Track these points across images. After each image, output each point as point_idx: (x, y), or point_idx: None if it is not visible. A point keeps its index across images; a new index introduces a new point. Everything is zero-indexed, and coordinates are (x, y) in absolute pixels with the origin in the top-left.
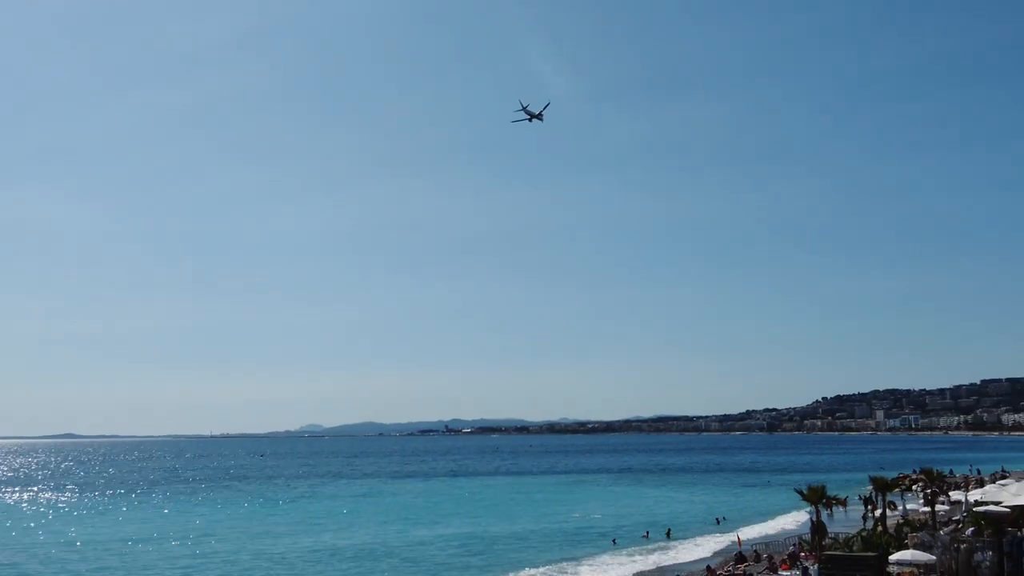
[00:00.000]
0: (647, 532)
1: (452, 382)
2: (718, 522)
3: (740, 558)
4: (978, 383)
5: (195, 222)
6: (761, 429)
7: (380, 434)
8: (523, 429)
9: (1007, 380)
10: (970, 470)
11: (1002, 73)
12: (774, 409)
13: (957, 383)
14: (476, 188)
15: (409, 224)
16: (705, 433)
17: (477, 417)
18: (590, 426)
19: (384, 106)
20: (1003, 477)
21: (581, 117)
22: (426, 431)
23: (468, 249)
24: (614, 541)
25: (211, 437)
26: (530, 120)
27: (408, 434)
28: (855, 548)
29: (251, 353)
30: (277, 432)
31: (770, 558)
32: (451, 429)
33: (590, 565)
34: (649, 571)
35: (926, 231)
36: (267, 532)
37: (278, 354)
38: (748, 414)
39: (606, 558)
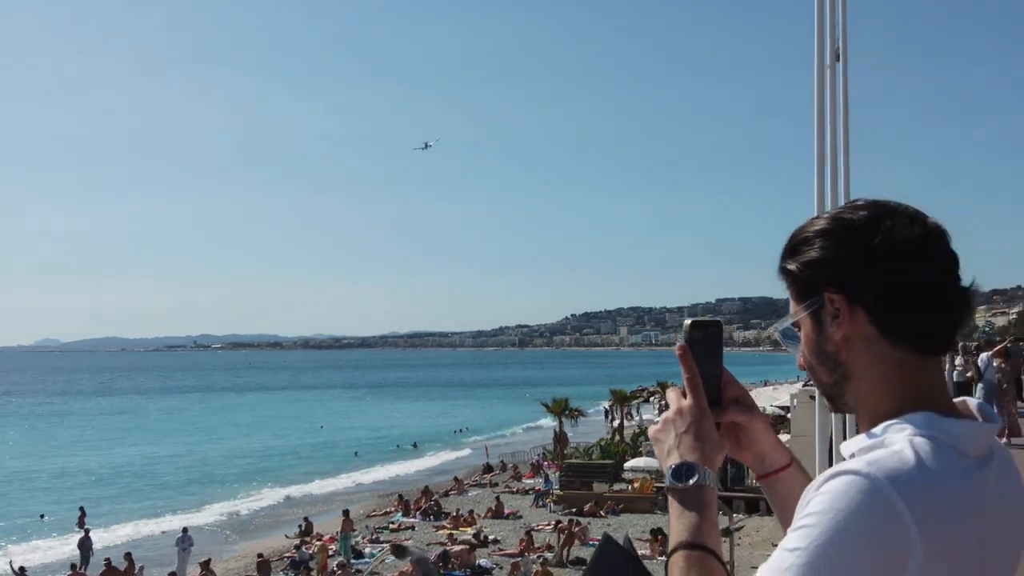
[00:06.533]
0: (397, 445)
1: (200, 295)
2: (460, 432)
3: (487, 468)
4: (713, 302)
5: None
6: (513, 345)
7: (123, 349)
8: (276, 345)
9: (739, 299)
10: None
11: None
12: (526, 325)
13: (695, 301)
14: (239, 95)
15: (151, 133)
16: (459, 349)
17: (228, 333)
18: (345, 342)
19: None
20: None
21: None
22: (173, 347)
23: (220, 160)
24: (356, 453)
25: None
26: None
27: (154, 349)
28: (594, 456)
29: None
30: (8, 347)
31: (515, 467)
32: (200, 345)
33: (334, 478)
34: (392, 480)
35: (670, 162)
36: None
37: (5, 261)
38: (501, 330)
39: (350, 471)
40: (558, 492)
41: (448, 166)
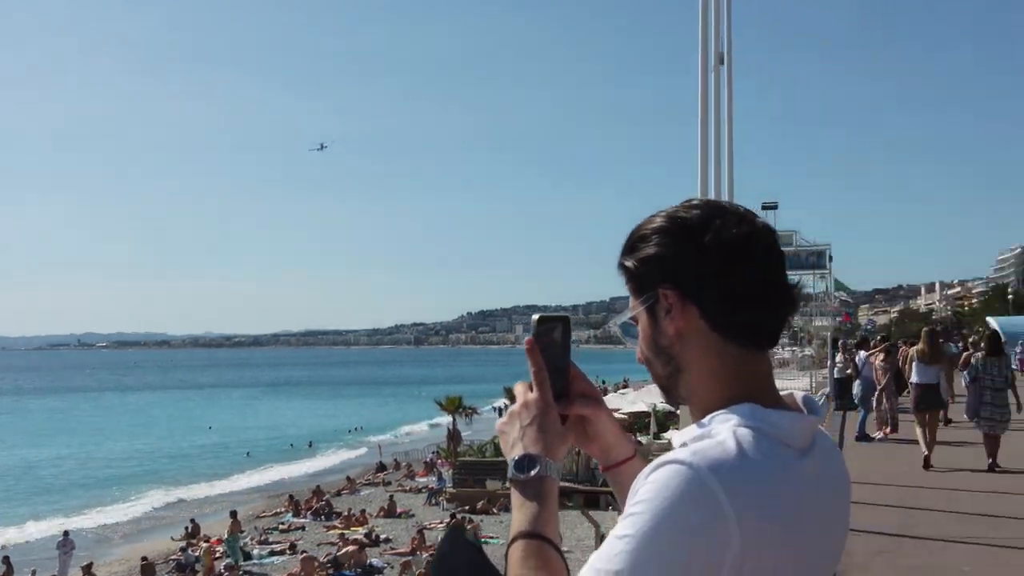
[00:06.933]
0: (291, 444)
1: (84, 293)
2: (355, 431)
3: (380, 467)
4: (608, 300)
5: None
6: (409, 343)
7: (3, 348)
8: (164, 344)
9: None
10: (596, 380)
11: None
12: (422, 323)
13: (589, 300)
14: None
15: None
16: (354, 347)
17: (113, 331)
18: (236, 340)
19: None
20: (624, 386)
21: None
22: (56, 345)
23: (97, 156)
24: (248, 454)
25: None
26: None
27: (36, 348)
28: (488, 454)
29: None
30: None
31: (409, 466)
32: (84, 344)
33: (224, 479)
34: (285, 481)
35: (566, 162)
36: None
37: None
38: (397, 328)
39: (240, 472)
40: (451, 490)
41: (344, 165)
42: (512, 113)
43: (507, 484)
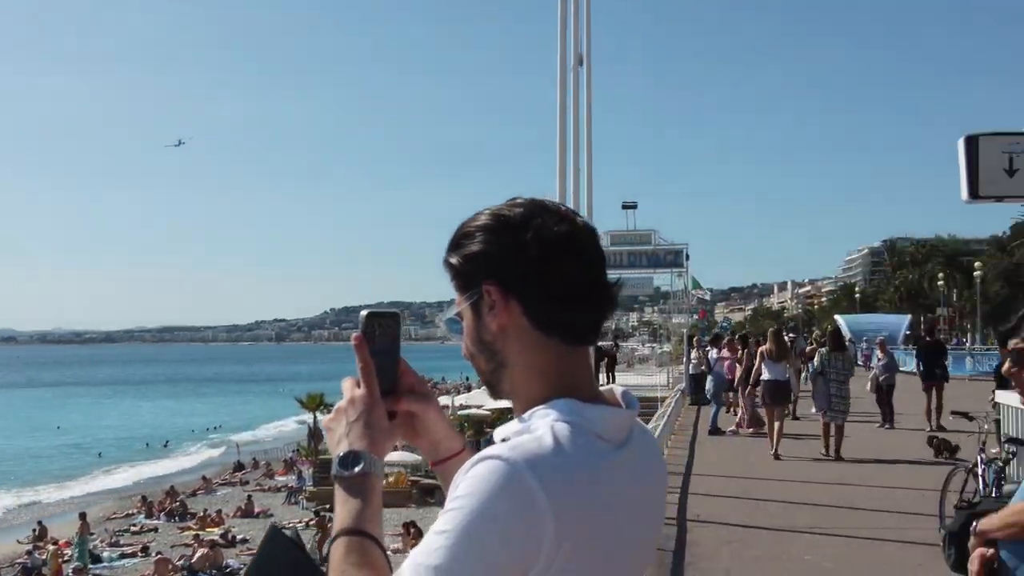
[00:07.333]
0: (147, 444)
1: None
2: (213, 430)
3: (238, 466)
4: None
5: None
6: (270, 339)
7: None
8: (11, 340)
9: None
10: (460, 376)
11: None
12: (283, 319)
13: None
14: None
15: None
16: (213, 344)
17: None
18: (88, 336)
19: None
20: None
21: None
22: None
23: None
24: (100, 454)
25: None
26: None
27: None
28: None
29: None
30: None
31: (268, 464)
32: None
33: (74, 480)
34: (142, 482)
35: (427, 158)
36: None
37: None
38: (257, 324)
39: (92, 472)
40: (311, 489)
41: (201, 158)
42: (375, 108)
43: (331, 478)
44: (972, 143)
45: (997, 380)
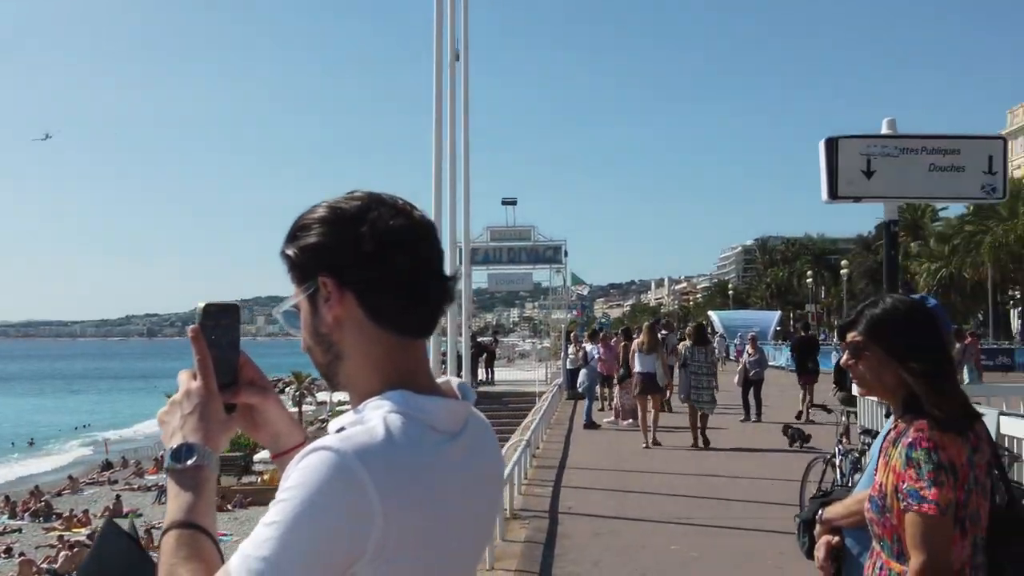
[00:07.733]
0: (12, 443)
1: None
2: (81, 428)
3: (107, 465)
4: None
5: None
6: (141, 335)
7: None
8: None
9: None
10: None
11: None
12: (155, 314)
13: None
14: None
15: None
16: (81, 339)
17: None
18: None
19: None
20: None
21: None
22: None
23: None
24: None
25: None
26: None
27: None
28: (223, 449)
29: None
30: None
31: (138, 463)
32: None
33: None
34: (9, 482)
35: (298, 155)
36: None
37: None
38: (128, 319)
39: None
40: None
41: (63, 151)
42: (241, 103)
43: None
44: (832, 145)
45: (835, 374)
